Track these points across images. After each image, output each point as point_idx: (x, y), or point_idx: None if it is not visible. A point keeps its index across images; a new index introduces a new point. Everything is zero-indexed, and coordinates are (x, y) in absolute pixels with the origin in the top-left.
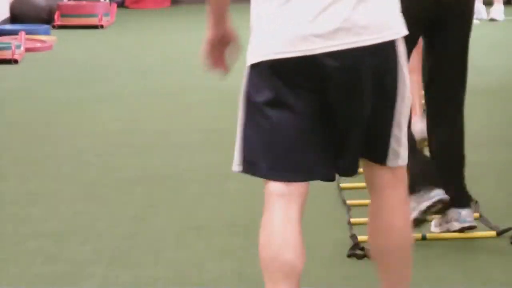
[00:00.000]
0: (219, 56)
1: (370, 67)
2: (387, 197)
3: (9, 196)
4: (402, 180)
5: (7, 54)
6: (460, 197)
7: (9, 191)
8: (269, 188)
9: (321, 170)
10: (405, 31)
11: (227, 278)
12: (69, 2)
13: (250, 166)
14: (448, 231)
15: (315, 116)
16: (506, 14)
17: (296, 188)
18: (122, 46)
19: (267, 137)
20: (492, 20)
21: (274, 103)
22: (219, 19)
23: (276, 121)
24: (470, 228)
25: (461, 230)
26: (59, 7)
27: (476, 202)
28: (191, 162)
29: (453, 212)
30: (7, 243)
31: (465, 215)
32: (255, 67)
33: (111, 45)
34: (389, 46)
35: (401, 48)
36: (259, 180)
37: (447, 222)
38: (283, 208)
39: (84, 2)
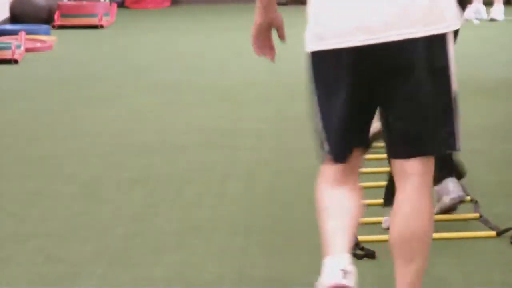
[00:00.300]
0: (267, 41)
1: (423, 57)
2: (416, 184)
3: (9, 196)
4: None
5: (7, 54)
6: (447, 168)
7: (9, 191)
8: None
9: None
10: (457, 25)
11: (227, 278)
12: (69, 2)
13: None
14: (441, 211)
15: (366, 100)
16: (506, 14)
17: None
18: (122, 46)
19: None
20: (492, 20)
21: (333, 90)
22: (268, 5)
23: (337, 105)
24: (462, 201)
25: (453, 206)
26: (59, 7)
27: (476, 202)
28: (191, 162)
29: (442, 188)
30: (7, 243)
31: (453, 187)
32: (315, 55)
33: (111, 45)
34: (440, 38)
35: (451, 41)
36: (258, 180)
37: (438, 201)
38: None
39: (84, 2)
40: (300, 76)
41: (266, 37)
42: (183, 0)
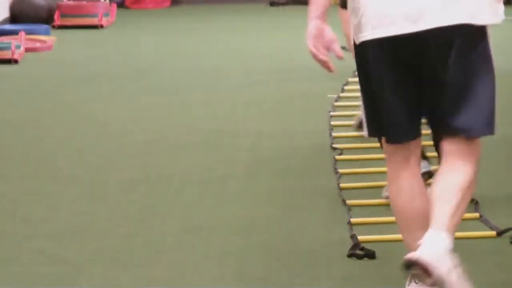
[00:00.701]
0: (323, 49)
1: (461, 43)
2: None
3: (9, 196)
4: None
5: (7, 54)
6: None
7: (9, 191)
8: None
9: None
10: (497, 20)
11: (227, 278)
12: (69, 2)
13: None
14: None
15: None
16: (506, 14)
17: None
18: (122, 46)
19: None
20: None
21: (383, 76)
22: (322, 12)
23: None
24: (427, 174)
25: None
26: (59, 7)
27: (477, 202)
28: (191, 162)
29: None
30: (7, 243)
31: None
32: (364, 45)
33: (111, 45)
34: (479, 29)
35: (490, 33)
36: (258, 180)
37: None
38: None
39: (84, 2)
40: (300, 76)
41: (322, 46)
42: (183, 0)
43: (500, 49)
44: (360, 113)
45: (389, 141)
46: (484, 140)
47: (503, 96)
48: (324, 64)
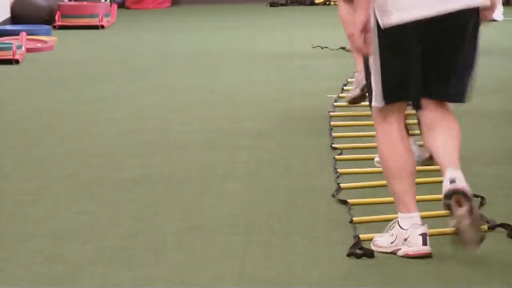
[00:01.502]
0: (367, 38)
1: (471, 22)
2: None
3: (9, 196)
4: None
5: (8, 55)
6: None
7: (9, 191)
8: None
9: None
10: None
11: (227, 278)
12: (70, 3)
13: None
14: None
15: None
16: (505, 14)
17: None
18: (123, 46)
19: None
20: (491, 20)
21: (405, 56)
22: (369, 4)
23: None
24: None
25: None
26: (60, 8)
27: (482, 197)
28: (191, 162)
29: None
30: (7, 243)
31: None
32: (387, 29)
33: (111, 46)
34: (477, 10)
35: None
36: (258, 180)
37: None
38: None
39: (84, 3)
40: (300, 76)
41: (366, 35)
42: (183, 0)
43: (501, 48)
44: (355, 89)
45: (399, 100)
46: (484, 139)
47: (503, 95)
48: (360, 50)
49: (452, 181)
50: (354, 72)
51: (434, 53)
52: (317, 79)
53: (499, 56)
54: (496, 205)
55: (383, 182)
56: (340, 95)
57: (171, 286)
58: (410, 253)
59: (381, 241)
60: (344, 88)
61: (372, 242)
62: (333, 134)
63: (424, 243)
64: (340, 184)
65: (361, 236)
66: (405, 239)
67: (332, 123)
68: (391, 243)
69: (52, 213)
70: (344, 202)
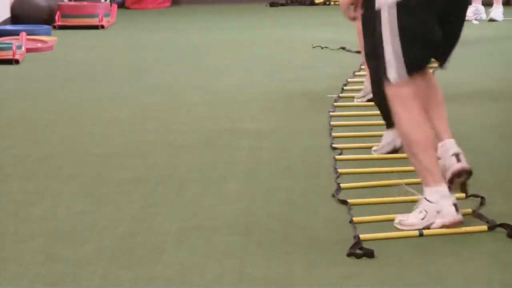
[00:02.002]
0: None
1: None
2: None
3: (9, 196)
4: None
5: (8, 55)
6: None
7: (9, 191)
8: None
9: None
10: None
11: (227, 278)
12: (70, 3)
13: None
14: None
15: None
16: (505, 14)
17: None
18: (123, 47)
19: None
20: (491, 20)
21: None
22: None
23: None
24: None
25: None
26: (60, 8)
27: (482, 197)
28: (191, 162)
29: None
30: (7, 243)
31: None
32: (402, 4)
33: (111, 46)
34: None
35: None
36: (258, 180)
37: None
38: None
39: (84, 3)
40: (300, 76)
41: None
42: (183, 0)
43: (500, 49)
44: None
45: (420, 67)
46: (484, 139)
47: (503, 95)
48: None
49: (457, 156)
50: (354, 72)
51: (447, 21)
52: (317, 79)
53: (499, 56)
54: (496, 205)
55: (383, 182)
56: (340, 95)
57: (171, 286)
58: (447, 223)
59: (410, 220)
60: (344, 88)
61: (396, 223)
62: (333, 134)
63: (457, 212)
64: (340, 184)
65: (361, 236)
66: (438, 212)
67: (332, 123)
68: (422, 219)
69: (52, 213)
70: (344, 202)
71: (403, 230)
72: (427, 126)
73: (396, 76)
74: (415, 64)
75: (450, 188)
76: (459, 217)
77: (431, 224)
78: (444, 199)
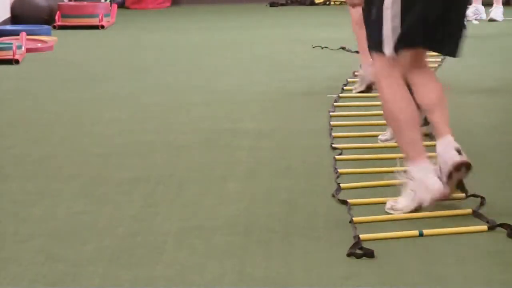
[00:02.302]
0: None
1: None
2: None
3: (9, 196)
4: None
5: (8, 55)
6: None
7: (9, 191)
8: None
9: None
10: None
11: (227, 278)
12: (70, 3)
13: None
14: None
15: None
16: (505, 14)
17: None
18: (123, 47)
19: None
20: (491, 20)
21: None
22: None
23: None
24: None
25: None
26: (60, 8)
27: (482, 197)
28: (191, 162)
29: None
30: (7, 243)
31: None
32: None
33: (111, 46)
34: None
35: None
36: (258, 180)
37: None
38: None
39: (85, 3)
40: (300, 76)
41: None
42: (183, 0)
43: (500, 48)
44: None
45: (412, 45)
46: (484, 139)
47: (503, 95)
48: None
49: (458, 151)
50: (354, 72)
51: (450, 9)
52: (317, 79)
53: (499, 56)
54: (496, 205)
55: (383, 182)
56: (340, 95)
57: (171, 286)
58: (436, 196)
59: (401, 204)
60: (344, 88)
61: (388, 209)
62: (333, 134)
63: (443, 183)
64: (340, 184)
65: (361, 236)
66: (425, 188)
67: (332, 123)
68: (412, 199)
69: (52, 213)
70: (344, 202)
71: (395, 214)
72: (413, 103)
73: (386, 50)
74: (407, 39)
75: (447, 184)
76: (446, 188)
77: (423, 202)
78: (428, 173)
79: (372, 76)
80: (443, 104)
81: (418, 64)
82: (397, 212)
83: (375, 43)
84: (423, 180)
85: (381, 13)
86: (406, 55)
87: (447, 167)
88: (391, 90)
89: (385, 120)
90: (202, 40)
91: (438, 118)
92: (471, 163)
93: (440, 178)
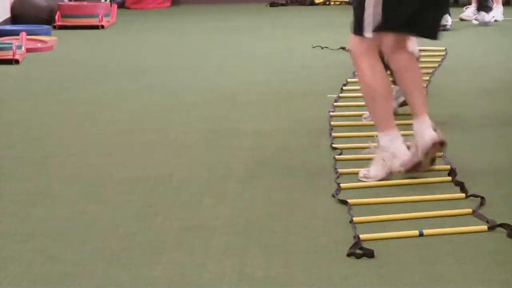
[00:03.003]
0: None
1: None
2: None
3: (9, 196)
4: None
5: (8, 55)
6: None
7: (9, 191)
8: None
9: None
10: None
11: (227, 278)
12: (70, 3)
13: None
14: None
15: None
16: (505, 14)
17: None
18: (123, 47)
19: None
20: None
21: None
22: None
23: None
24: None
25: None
26: (60, 8)
27: (482, 197)
28: (190, 162)
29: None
30: (7, 243)
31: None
32: None
33: (111, 46)
34: None
35: None
36: (258, 180)
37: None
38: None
39: (84, 3)
40: (300, 76)
41: None
42: (183, 0)
43: (500, 48)
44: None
45: (393, 29)
46: (484, 139)
47: (502, 95)
48: None
49: (435, 130)
50: (354, 72)
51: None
52: (317, 79)
53: (499, 56)
54: (496, 205)
55: (383, 182)
56: (340, 95)
57: (171, 286)
58: (404, 162)
59: (372, 172)
60: (344, 88)
61: (361, 177)
62: (333, 134)
63: (405, 148)
64: (340, 184)
65: (361, 236)
66: (394, 155)
67: (332, 123)
68: (383, 167)
69: (52, 213)
70: (344, 202)
71: (368, 182)
72: (387, 79)
73: (366, 33)
74: (387, 23)
75: (421, 163)
76: (413, 156)
77: (392, 169)
78: (396, 141)
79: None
80: (421, 87)
81: (399, 45)
82: (369, 180)
83: (356, 27)
84: (392, 148)
85: (363, 0)
86: (388, 38)
87: (424, 143)
88: (368, 65)
89: (362, 94)
90: (202, 40)
91: (416, 100)
92: (446, 141)
93: (414, 154)
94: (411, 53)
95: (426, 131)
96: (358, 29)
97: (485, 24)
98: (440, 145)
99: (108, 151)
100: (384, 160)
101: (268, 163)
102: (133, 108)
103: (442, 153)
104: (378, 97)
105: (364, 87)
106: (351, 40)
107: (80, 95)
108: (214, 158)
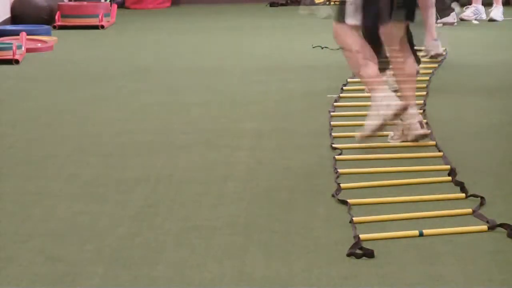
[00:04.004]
0: None
1: None
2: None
3: (9, 196)
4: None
5: (8, 55)
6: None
7: (9, 191)
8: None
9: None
10: None
11: (227, 278)
12: (70, 3)
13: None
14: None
15: None
16: (505, 14)
17: None
18: (123, 47)
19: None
20: (491, 20)
21: None
22: None
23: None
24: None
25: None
26: (60, 8)
27: (482, 197)
28: (191, 162)
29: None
30: (7, 243)
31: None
32: None
33: (111, 46)
34: None
35: None
36: (258, 180)
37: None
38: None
39: (85, 3)
40: (300, 76)
41: None
42: (183, 0)
43: (500, 48)
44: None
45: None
46: (483, 139)
47: (502, 95)
48: None
49: (420, 124)
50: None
51: None
52: (317, 79)
53: (499, 56)
54: (496, 205)
55: (383, 182)
56: (340, 95)
57: (171, 286)
58: (394, 108)
59: (371, 123)
60: (344, 88)
61: (362, 131)
62: (333, 134)
63: (396, 98)
64: (340, 184)
65: (361, 236)
66: (387, 106)
67: (332, 123)
68: (379, 116)
69: (52, 213)
70: (344, 202)
71: (370, 134)
72: (369, 46)
73: (349, 20)
74: (368, 18)
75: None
76: (401, 103)
77: (386, 118)
78: (387, 95)
79: (430, 47)
80: (414, 79)
81: (392, 37)
82: (370, 132)
83: (339, 18)
84: (383, 100)
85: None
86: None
87: (410, 134)
88: (349, 36)
89: (350, 66)
90: (202, 40)
91: (407, 90)
92: (428, 134)
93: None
94: (408, 48)
95: (413, 125)
96: (339, 19)
97: (451, 25)
98: (423, 137)
99: (108, 151)
100: (378, 110)
101: (268, 163)
102: (133, 108)
103: (440, 152)
104: (365, 61)
105: (348, 55)
106: (334, 27)
107: (80, 95)
108: (214, 158)
